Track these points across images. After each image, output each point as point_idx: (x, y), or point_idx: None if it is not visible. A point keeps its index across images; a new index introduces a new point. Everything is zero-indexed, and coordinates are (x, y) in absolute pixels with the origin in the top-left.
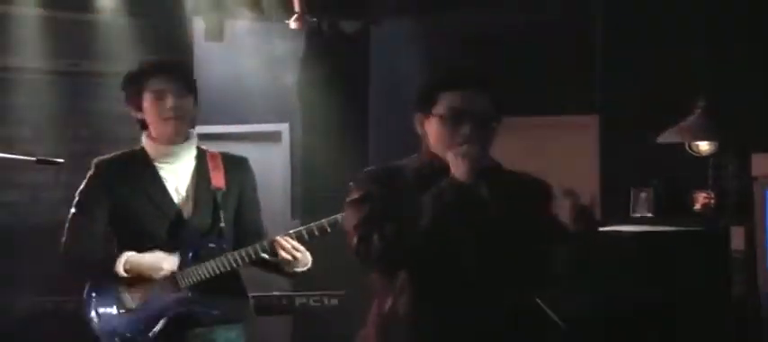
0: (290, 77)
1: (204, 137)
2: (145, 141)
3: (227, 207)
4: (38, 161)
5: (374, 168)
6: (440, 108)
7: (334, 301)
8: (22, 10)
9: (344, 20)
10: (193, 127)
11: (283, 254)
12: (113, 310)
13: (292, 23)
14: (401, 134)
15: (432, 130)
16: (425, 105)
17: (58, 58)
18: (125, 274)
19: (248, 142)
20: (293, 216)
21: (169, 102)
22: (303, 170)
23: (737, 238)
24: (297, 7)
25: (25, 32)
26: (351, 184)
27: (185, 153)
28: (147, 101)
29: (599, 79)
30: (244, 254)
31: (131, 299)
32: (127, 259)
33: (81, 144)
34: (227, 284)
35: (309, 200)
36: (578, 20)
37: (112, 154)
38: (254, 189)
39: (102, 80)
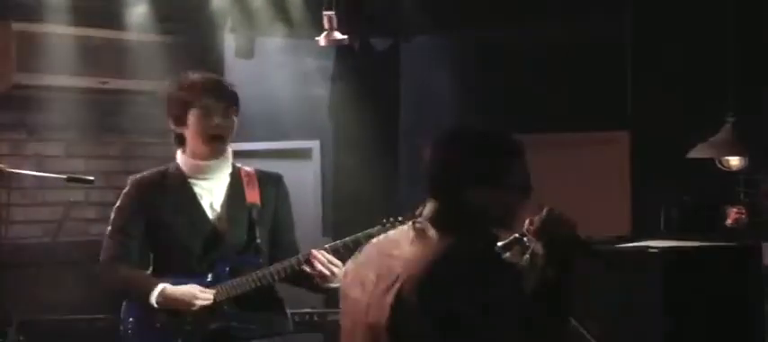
0: (321, 94)
1: (235, 154)
2: (180, 158)
3: (263, 223)
4: (68, 179)
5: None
6: (514, 178)
7: None
8: (54, 28)
9: (375, 37)
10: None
11: (320, 268)
12: (150, 327)
13: (322, 41)
14: None
15: (503, 203)
16: (496, 178)
17: (90, 76)
18: (156, 306)
19: (279, 159)
20: (324, 233)
21: (215, 120)
22: (334, 187)
23: None
24: (327, 24)
25: (57, 50)
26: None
27: (220, 170)
28: (194, 116)
29: (630, 95)
30: (280, 269)
31: (168, 315)
32: (160, 291)
33: (112, 162)
34: (265, 299)
35: (341, 216)
36: (609, 35)
37: (147, 171)
38: (289, 207)
39: (132, 98)
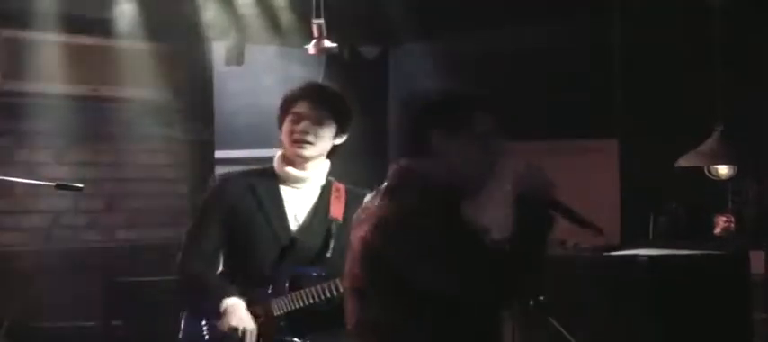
0: None
1: (224, 161)
2: (276, 161)
3: (340, 239)
4: (57, 186)
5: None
6: (474, 127)
7: None
8: (43, 35)
9: (364, 45)
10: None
11: None
12: (204, 334)
13: (311, 49)
14: None
15: (463, 156)
16: (454, 129)
17: (78, 84)
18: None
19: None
20: None
21: (302, 126)
22: None
23: (757, 262)
24: (316, 32)
25: (45, 58)
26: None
27: (312, 180)
28: (287, 121)
29: (618, 103)
30: (326, 287)
31: (223, 324)
32: (226, 307)
33: (100, 169)
34: (324, 314)
35: None
36: (597, 44)
37: (242, 169)
38: None
39: (121, 105)
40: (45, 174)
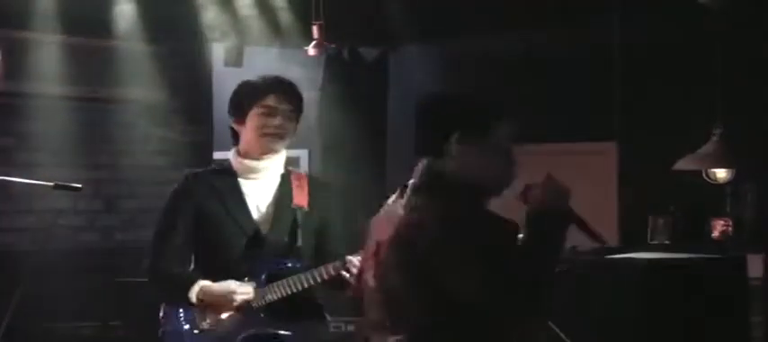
0: (309, 103)
1: (222, 163)
2: (232, 156)
3: (307, 227)
4: (56, 186)
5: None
6: (498, 139)
7: (351, 328)
8: (42, 36)
9: (363, 46)
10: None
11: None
12: (188, 331)
13: (311, 50)
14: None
15: (487, 163)
16: (480, 136)
17: (77, 85)
18: (195, 302)
19: None
20: None
21: (276, 120)
22: None
23: (755, 266)
24: (316, 34)
25: (45, 58)
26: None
27: (269, 170)
28: (256, 114)
29: (617, 106)
30: (316, 274)
31: (206, 320)
32: (200, 288)
33: (99, 170)
34: (303, 305)
35: None
36: (596, 47)
37: (199, 169)
38: (339, 216)
39: (120, 106)
40: (44, 174)
